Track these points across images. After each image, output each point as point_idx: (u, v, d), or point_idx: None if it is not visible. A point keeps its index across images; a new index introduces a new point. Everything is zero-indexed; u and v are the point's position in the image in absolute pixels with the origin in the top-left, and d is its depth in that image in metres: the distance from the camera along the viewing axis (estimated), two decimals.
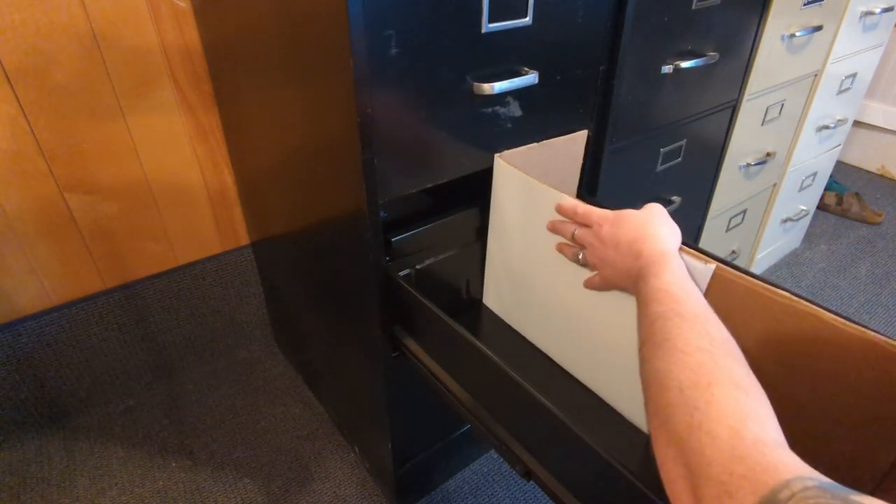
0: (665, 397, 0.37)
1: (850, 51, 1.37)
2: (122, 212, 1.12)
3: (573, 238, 0.64)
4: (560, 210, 0.66)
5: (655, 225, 0.54)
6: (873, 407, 0.45)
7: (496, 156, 0.76)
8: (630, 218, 0.57)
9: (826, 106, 1.43)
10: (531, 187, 0.70)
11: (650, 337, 0.43)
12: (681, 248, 0.55)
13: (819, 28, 1.19)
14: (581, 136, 0.86)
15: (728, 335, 0.42)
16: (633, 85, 0.88)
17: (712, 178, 1.24)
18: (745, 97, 1.14)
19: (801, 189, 1.60)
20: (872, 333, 0.44)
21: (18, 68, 0.91)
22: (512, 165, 0.73)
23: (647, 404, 0.40)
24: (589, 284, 0.64)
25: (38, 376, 1.15)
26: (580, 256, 0.64)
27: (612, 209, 0.61)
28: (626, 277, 0.55)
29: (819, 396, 0.48)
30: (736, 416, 0.33)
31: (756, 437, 0.32)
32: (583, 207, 0.62)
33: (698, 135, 1.11)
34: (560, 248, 0.68)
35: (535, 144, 0.80)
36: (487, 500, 1.09)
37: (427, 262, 0.82)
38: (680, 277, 0.48)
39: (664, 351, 0.40)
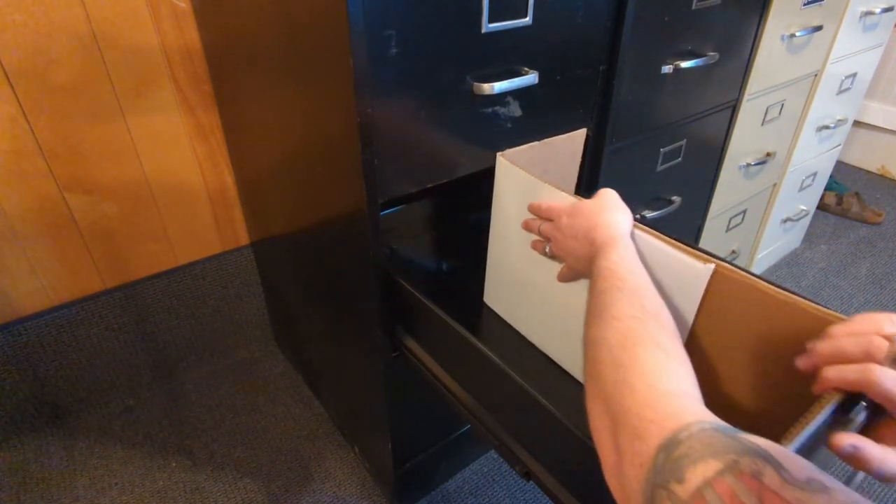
0: (597, 357, 0.42)
1: (850, 51, 1.37)
2: (122, 212, 1.12)
3: (539, 233, 0.67)
4: (530, 208, 0.69)
5: (607, 212, 0.57)
6: None
7: (498, 154, 0.76)
8: (584, 208, 0.60)
9: (826, 106, 1.43)
10: (533, 186, 0.70)
11: (592, 308, 0.47)
12: (680, 248, 0.55)
13: (819, 28, 1.19)
14: (580, 135, 0.86)
15: (663, 309, 0.46)
16: (633, 85, 0.88)
17: (712, 178, 1.24)
18: (745, 97, 1.14)
19: (801, 189, 1.60)
20: None
21: (18, 68, 0.91)
22: (514, 164, 0.73)
23: (584, 367, 0.44)
24: (560, 277, 0.66)
25: (38, 376, 1.15)
26: (547, 250, 0.66)
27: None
28: (586, 264, 0.57)
29: None
30: (654, 372, 0.38)
31: (667, 389, 0.36)
32: (546, 203, 0.65)
33: (698, 135, 1.11)
34: (532, 245, 0.71)
35: (535, 143, 0.80)
36: (487, 500, 1.09)
37: (428, 262, 0.82)
38: (626, 258, 0.51)
39: (602, 319, 0.44)
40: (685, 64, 0.93)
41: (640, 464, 0.33)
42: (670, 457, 0.31)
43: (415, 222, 0.90)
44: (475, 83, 0.68)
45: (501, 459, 1.16)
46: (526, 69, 0.72)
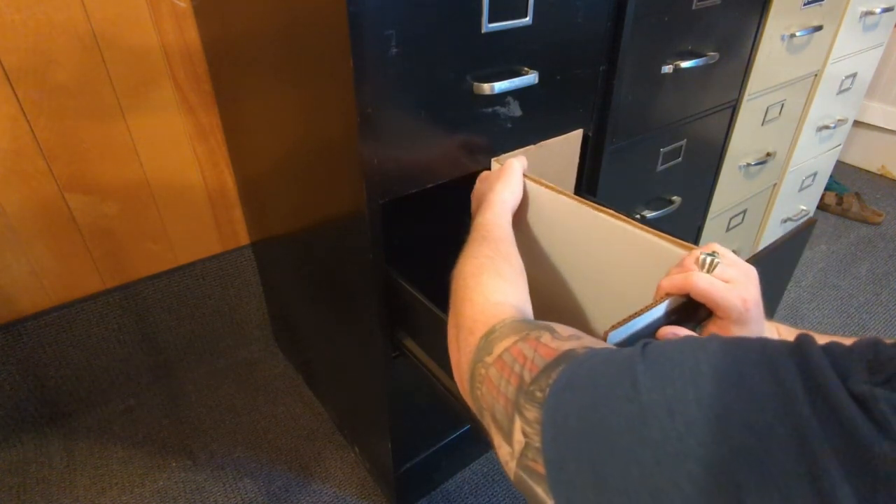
0: (455, 286, 0.51)
1: (850, 51, 1.37)
2: (122, 212, 1.12)
3: None
4: None
5: (497, 182, 0.66)
6: None
7: (493, 160, 0.76)
8: (484, 176, 0.71)
9: (826, 106, 1.43)
10: (529, 187, 0.70)
11: (462, 253, 0.56)
12: (676, 241, 0.55)
13: (819, 28, 1.19)
14: (576, 136, 0.86)
15: (515, 254, 0.56)
16: (633, 85, 0.88)
17: (712, 178, 1.24)
18: (745, 97, 1.14)
19: (801, 189, 1.60)
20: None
21: (18, 68, 0.91)
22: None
23: (450, 297, 0.52)
24: None
25: (38, 376, 1.15)
26: None
27: (614, 209, 0.61)
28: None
29: None
30: (490, 290, 0.48)
31: (497, 300, 0.46)
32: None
33: (698, 135, 1.11)
34: None
35: (531, 147, 0.80)
36: (487, 500, 1.09)
37: (428, 262, 0.82)
38: (497, 216, 0.61)
39: (465, 258, 0.54)
40: (685, 64, 0.93)
41: (469, 351, 0.43)
42: (487, 340, 0.41)
43: (415, 223, 0.90)
44: (475, 83, 0.68)
45: None
46: (526, 69, 0.72)
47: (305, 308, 1.11)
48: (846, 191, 2.04)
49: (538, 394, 0.33)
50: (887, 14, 1.38)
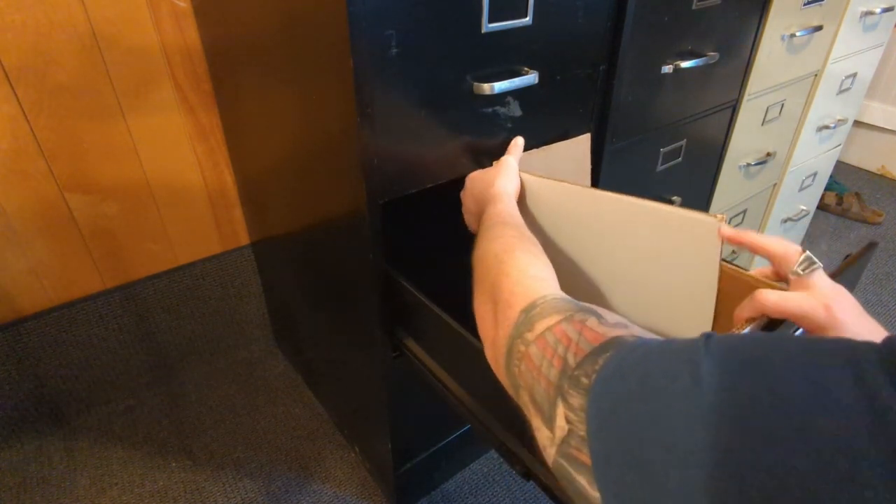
0: (483, 263, 0.51)
1: (851, 51, 1.37)
2: (122, 212, 1.12)
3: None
4: None
5: (498, 177, 0.66)
6: None
7: (494, 163, 0.75)
8: (476, 176, 0.71)
9: (826, 106, 1.43)
10: (531, 183, 0.70)
11: (480, 239, 0.55)
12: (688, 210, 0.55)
13: (819, 28, 1.19)
14: (584, 139, 0.85)
15: (534, 238, 0.54)
16: (633, 85, 0.88)
17: (712, 178, 1.24)
18: (745, 97, 1.14)
19: (801, 189, 1.60)
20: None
21: (18, 68, 0.91)
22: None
23: (473, 280, 0.51)
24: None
25: (38, 376, 1.15)
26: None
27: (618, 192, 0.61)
28: (478, 219, 0.65)
29: None
30: (525, 264, 0.47)
31: (534, 274, 0.46)
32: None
33: (698, 135, 1.11)
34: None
35: (535, 150, 0.79)
36: (487, 500, 1.09)
37: (428, 262, 0.82)
38: (507, 205, 0.61)
39: (487, 240, 0.53)
40: (685, 64, 0.93)
41: (507, 325, 0.41)
42: (528, 316, 0.40)
43: (415, 223, 0.90)
44: (475, 83, 0.68)
45: (501, 459, 1.16)
46: (526, 69, 0.72)
47: (305, 308, 1.11)
48: (846, 191, 2.04)
49: (584, 380, 0.32)
50: (887, 14, 1.38)
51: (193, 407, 1.27)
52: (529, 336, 0.38)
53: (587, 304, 0.39)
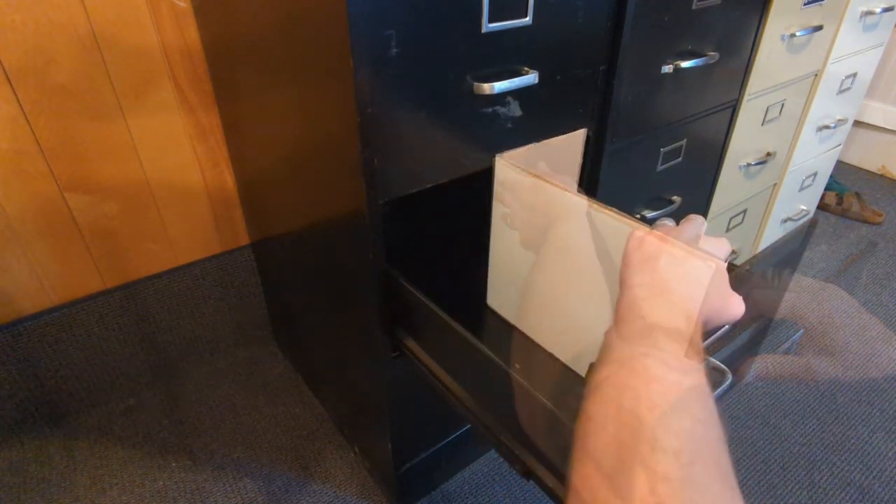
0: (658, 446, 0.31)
1: (851, 51, 1.37)
2: (122, 212, 1.12)
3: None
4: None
5: (724, 297, 0.42)
6: None
7: (497, 157, 0.76)
8: (660, 250, 0.42)
9: (826, 106, 1.43)
10: (533, 184, 0.69)
11: (657, 391, 0.33)
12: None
13: (819, 28, 1.19)
14: (579, 135, 0.86)
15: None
16: (633, 85, 0.88)
17: (712, 178, 1.24)
18: (746, 97, 1.14)
19: (801, 189, 1.60)
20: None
21: (18, 68, 0.91)
22: (512, 165, 0.73)
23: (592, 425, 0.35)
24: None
25: (38, 376, 1.15)
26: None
27: (616, 210, 0.60)
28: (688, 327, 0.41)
29: None
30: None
31: None
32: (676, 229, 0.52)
33: (698, 135, 1.11)
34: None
35: (533, 145, 0.80)
36: (487, 500, 1.09)
37: (429, 262, 0.82)
38: (675, 371, 0.34)
39: (682, 412, 0.33)
40: (685, 64, 0.93)
41: None
42: None
43: (415, 222, 0.90)
44: (475, 83, 0.68)
45: (501, 459, 1.16)
46: (526, 69, 0.72)
47: (306, 308, 1.11)
48: (846, 191, 2.04)
49: None
50: (887, 14, 1.38)
51: (193, 407, 1.27)
52: None
53: None
